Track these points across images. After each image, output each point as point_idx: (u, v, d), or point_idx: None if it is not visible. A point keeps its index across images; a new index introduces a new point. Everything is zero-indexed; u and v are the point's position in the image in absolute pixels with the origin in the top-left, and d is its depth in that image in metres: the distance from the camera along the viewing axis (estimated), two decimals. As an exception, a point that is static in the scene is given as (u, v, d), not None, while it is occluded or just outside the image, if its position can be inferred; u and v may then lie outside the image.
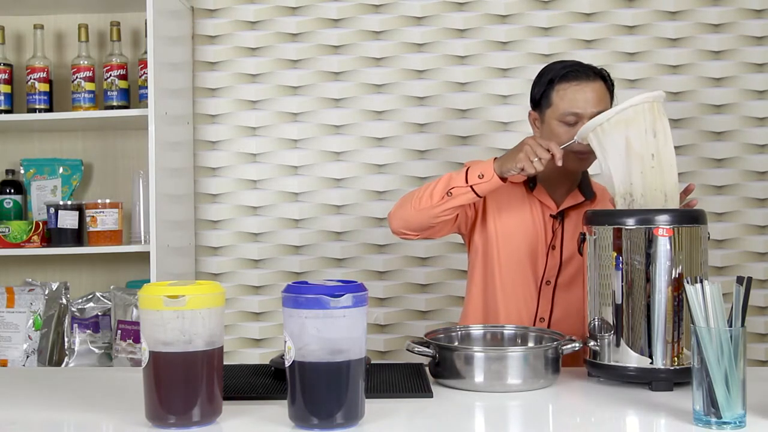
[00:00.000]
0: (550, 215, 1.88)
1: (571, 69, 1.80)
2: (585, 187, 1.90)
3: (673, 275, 1.45)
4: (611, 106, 1.83)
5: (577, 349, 1.52)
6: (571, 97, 1.78)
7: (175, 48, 2.55)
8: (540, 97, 1.85)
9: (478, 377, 1.46)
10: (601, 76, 1.81)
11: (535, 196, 1.89)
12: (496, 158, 1.73)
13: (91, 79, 2.52)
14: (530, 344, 1.65)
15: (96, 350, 2.15)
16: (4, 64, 2.52)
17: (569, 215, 1.88)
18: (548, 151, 1.66)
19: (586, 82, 1.78)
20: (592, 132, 1.61)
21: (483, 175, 1.71)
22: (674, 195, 1.56)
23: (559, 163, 1.67)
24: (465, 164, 1.82)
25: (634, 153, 1.55)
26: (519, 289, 1.88)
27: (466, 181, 1.72)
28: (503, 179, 1.72)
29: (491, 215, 1.90)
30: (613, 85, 1.85)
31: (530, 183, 1.89)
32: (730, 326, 1.20)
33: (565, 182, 1.88)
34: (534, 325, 1.87)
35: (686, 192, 1.70)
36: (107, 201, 2.44)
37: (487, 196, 1.85)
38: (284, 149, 2.68)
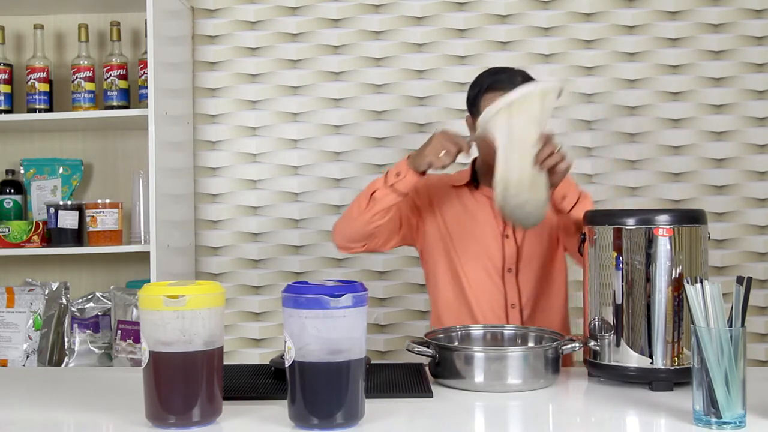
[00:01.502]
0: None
1: (497, 79, 1.84)
2: None
3: (673, 275, 1.45)
4: None
5: (576, 349, 1.53)
6: None
7: (175, 48, 2.55)
8: (471, 104, 1.90)
9: (478, 377, 1.46)
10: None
11: (480, 192, 1.95)
12: (409, 155, 1.78)
13: (91, 79, 2.52)
14: (530, 344, 1.65)
15: (96, 350, 2.15)
16: (4, 64, 2.52)
17: None
18: (456, 144, 1.69)
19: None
20: (488, 122, 1.59)
21: (399, 173, 1.76)
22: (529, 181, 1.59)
23: (468, 155, 1.71)
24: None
25: (516, 140, 1.56)
26: (485, 282, 1.93)
27: (386, 182, 1.77)
28: (421, 173, 1.75)
29: (440, 220, 1.97)
30: None
31: (474, 183, 1.96)
32: (730, 326, 1.20)
33: None
34: (506, 312, 1.91)
35: (547, 140, 1.64)
36: (107, 201, 2.44)
37: (433, 203, 1.95)
38: (284, 149, 2.68)
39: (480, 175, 1.97)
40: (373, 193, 1.78)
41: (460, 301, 1.95)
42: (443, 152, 1.69)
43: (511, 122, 1.56)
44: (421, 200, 1.99)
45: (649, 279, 1.46)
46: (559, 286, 1.96)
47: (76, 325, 2.15)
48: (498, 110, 1.56)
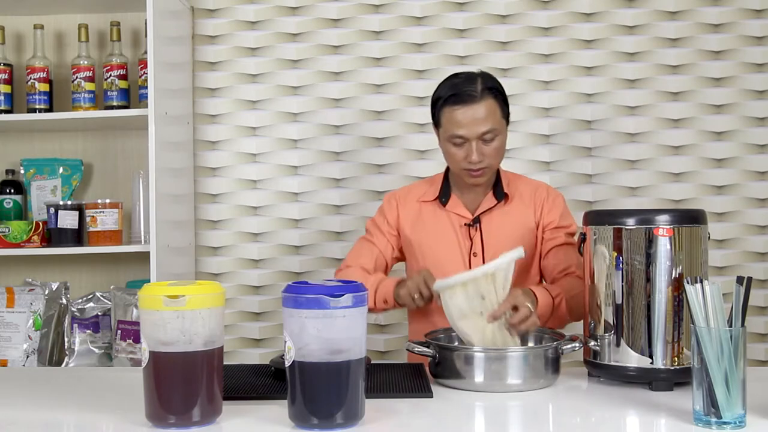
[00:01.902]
0: (464, 224, 1.90)
1: (456, 92, 1.81)
2: (497, 188, 1.93)
3: (673, 275, 1.45)
4: (504, 120, 1.85)
5: (576, 349, 1.53)
6: (456, 120, 1.81)
7: (175, 48, 2.55)
8: (432, 115, 1.89)
9: (478, 377, 1.46)
10: (491, 92, 1.81)
11: (449, 209, 1.93)
12: (399, 282, 1.80)
13: (91, 79, 2.52)
14: (530, 344, 1.65)
15: (96, 350, 2.15)
16: (4, 64, 2.52)
17: (485, 219, 1.91)
18: (428, 291, 1.70)
19: (470, 105, 1.79)
20: (439, 292, 1.63)
21: (386, 301, 1.81)
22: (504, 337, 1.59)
23: (439, 303, 1.65)
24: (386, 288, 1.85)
25: (455, 316, 1.58)
26: None
27: (374, 304, 1.82)
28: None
29: (411, 237, 1.95)
30: (505, 100, 1.86)
31: (442, 198, 1.93)
32: (730, 326, 1.20)
33: (477, 188, 1.92)
34: None
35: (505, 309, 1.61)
36: (107, 201, 2.44)
37: (401, 220, 1.96)
38: (284, 149, 2.68)
39: (452, 185, 1.95)
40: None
41: (427, 318, 1.92)
42: (417, 295, 1.72)
43: (453, 301, 1.58)
44: (395, 231, 1.99)
45: (649, 279, 1.46)
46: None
47: (76, 325, 2.15)
48: (438, 289, 1.61)
